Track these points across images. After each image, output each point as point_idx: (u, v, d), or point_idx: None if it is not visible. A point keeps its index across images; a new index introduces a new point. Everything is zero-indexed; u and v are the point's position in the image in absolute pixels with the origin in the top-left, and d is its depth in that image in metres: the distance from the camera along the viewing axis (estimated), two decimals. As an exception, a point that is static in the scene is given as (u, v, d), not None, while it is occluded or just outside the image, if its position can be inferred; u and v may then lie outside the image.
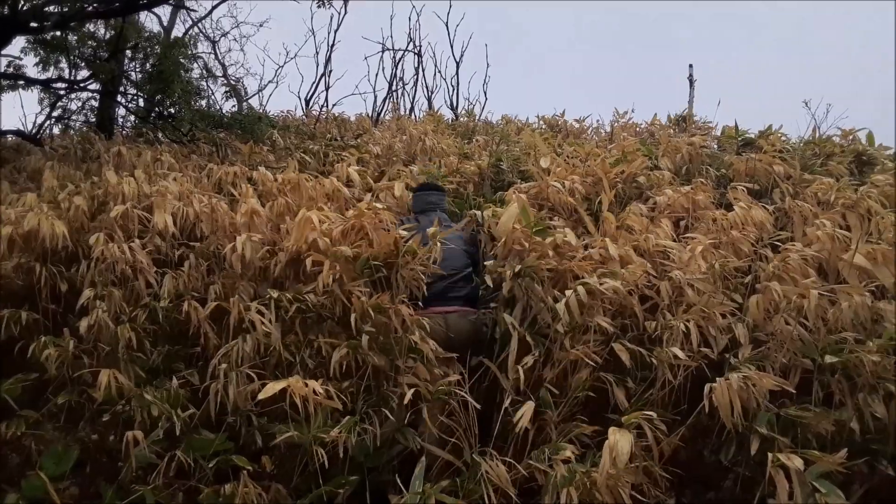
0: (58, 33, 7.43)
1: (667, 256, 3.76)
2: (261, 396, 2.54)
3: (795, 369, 3.09)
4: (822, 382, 3.03)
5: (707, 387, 2.81)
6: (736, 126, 6.05)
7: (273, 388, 2.53)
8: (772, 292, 3.31)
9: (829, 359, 2.93)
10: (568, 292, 3.24)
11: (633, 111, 8.39)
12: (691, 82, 9.33)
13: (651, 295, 3.55)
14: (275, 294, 3.40)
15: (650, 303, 3.55)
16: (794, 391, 2.95)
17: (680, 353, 3.06)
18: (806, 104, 7.73)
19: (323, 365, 3.30)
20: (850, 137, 6.20)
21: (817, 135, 6.53)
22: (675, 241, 4.00)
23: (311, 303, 3.44)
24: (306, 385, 2.61)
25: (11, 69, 7.95)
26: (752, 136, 5.89)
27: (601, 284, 3.25)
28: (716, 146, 6.21)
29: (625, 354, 3.17)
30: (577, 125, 8.77)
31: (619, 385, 3.19)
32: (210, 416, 3.08)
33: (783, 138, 6.09)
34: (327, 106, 12.12)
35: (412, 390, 2.94)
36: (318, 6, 7.54)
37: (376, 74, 14.21)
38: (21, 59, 7.84)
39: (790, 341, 3.10)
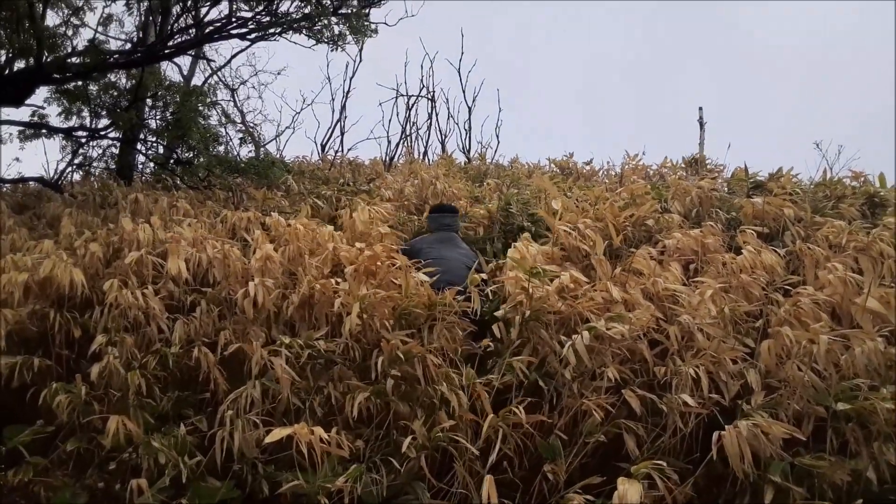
0: (80, 83, 7.69)
1: (676, 300, 3.74)
2: (266, 441, 2.54)
3: (809, 417, 3.04)
4: (837, 430, 2.97)
5: (716, 435, 2.76)
6: (746, 169, 6.06)
7: (278, 434, 2.53)
8: (783, 337, 3.27)
9: (841, 406, 2.88)
10: (575, 336, 3.23)
11: (643, 153, 8.43)
12: (701, 125, 9.39)
13: (661, 339, 3.53)
14: (286, 340, 3.43)
15: (660, 347, 3.53)
16: (806, 439, 2.89)
17: (690, 400, 3.02)
18: (817, 145, 7.74)
19: (333, 412, 3.30)
20: (862, 179, 6.18)
21: (828, 176, 6.52)
22: (684, 284, 3.98)
23: (322, 349, 3.47)
24: (312, 432, 2.60)
25: (36, 118, 8.21)
26: (763, 178, 5.89)
27: (608, 329, 3.23)
28: (726, 189, 6.22)
29: (635, 401, 3.13)
30: (587, 168, 8.82)
31: (630, 432, 3.14)
32: (217, 463, 3.08)
33: (794, 180, 6.09)
34: (342, 150, 12.34)
35: (409, 438, 2.92)
36: (332, 50, 7.74)
37: (390, 119, 14.50)
38: (45, 108, 8.11)
39: (802, 388, 3.05)
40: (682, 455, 3.12)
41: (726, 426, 2.80)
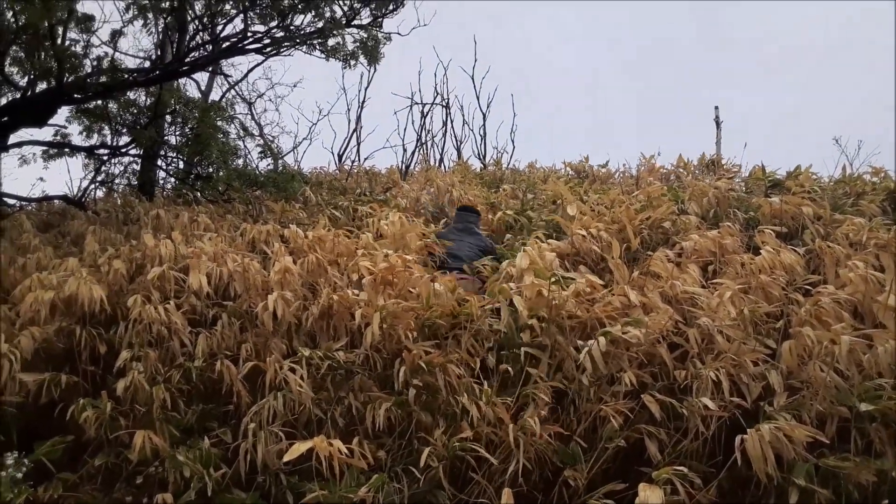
0: (100, 102, 7.83)
1: (695, 303, 3.72)
2: (286, 458, 2.57)
3: (832, 417, 3.01)
4: (861, 430, 2.94)
5: (738, 438, 2.75)
6: (763, 168, 6.01)
7: (298, 448, 2.56)
8: (805, 338, 3.24)
9: (865, 407, 2.85)
10: (591, 342, 3.23)
11: (658, 154, 8.39)
12: (718, 124, 9.33)
13: (680, 342, 3.52)
14: (306, 352, 3.47)
15: (679, 350, 3.51)
16: (829, 441, 2.87)
17: (710, 404, 3.00)
18: (836, 141, 7.65)
19: (354, 422, 3.34)
20: (882, 175, 6.10)
21: (848, 173, 6.44)
22: (703, 286, 3.96)
23: (342, 360, 3.51)
24: (331, 445, 2.63)
25: (58, 138, 8.38)
26: (781, 177, 5.84)
27: (624, 333, 3.23)
28: (743, 189, 6.17)
29: (654, 406, 3.12)
30: (602, 170, 8.80)
31: (651, 437, 3.13)
32: (241, 475, 3.12)
33: (813, 178, 6.03)
34: (359, 160, 12.42)
35: (429, 449, 2.94)
36: (345, 68, 7.83)
37: (405, 128, 14.51)
38: (66, 127, 8.27)
39: (824, 389, 3.02)
40: (704, 459, 3.10)
41: (748, 429, 2.79)
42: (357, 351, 3.63)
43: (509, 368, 3.39)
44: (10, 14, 6.87)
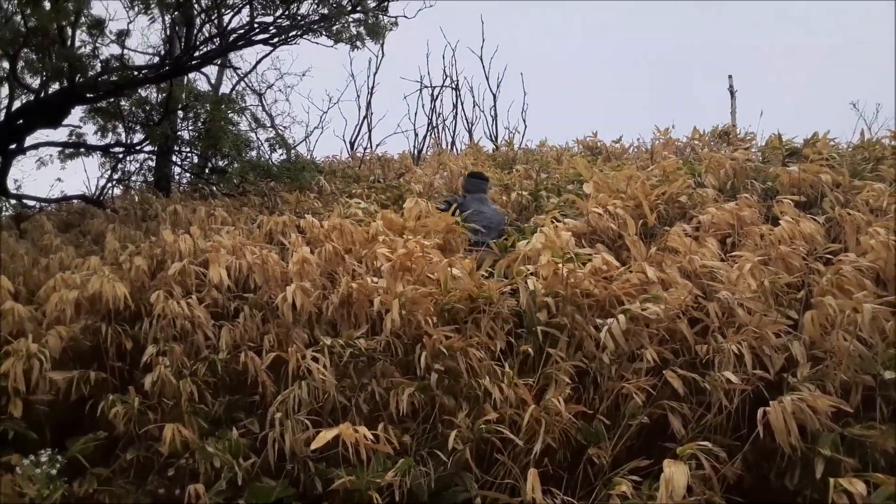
0: (112, 100, 7.89)
1: (714, 277, 3.70)
2: (314, 446, 2.61)
3: (857, 386, 2.99)
4: (886, 398, 2.92)
5: (760, 411, 2.74)
6: (779, 136, 5.93)
7: (325, 436, 2.60)
8: (827, 307, 3.22)
9: (889, 374, 2.83)
10: (610, 320, 3.23)
11: (673, 127, 8.30)
12: (732, 93, 9.20)
13: (700, 317, 3.51)
14: (328, 341, 3.51)
15: (700, 325, 3.50)
16: (854, 410, 2.86)
17: (733, 377, 3.00)
18: (854, 105, 7.52)
19: (378, 408, 3.38)
20: (902, 138, 5.99)
21: (866, 138, 6.33)
22: (722, 260, 3.94)
23: (363, 347, 3.55)
24: (356, 431, 2.67)
25: (73, 138, 8.47)
26: (798, 145, 5.76)
27: (643, 310, 3.22)
28: (760, 158, 6.09)
29: (677, 381, 3.12)
30: (616, 146, 8.73)
31: (675, 413, 3.14)
32: (270, 463, 3.17)
33: (831, 143, 5.94)
34: (371, 147, 12.43)
35: (455, 432, 2.96)
36: (352, 50, 7.80)
37: (416, 112, 14.48)
38: (81, 127, 8.35)
39: (848, 358, 3.00)
40: (728, 432, 3.11)
41: (771, 401, 2.78)
42: (378, 338, 3.66)
43: (529, 350, 3.40)
44: (20, 17, 6.92)
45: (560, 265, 3.59)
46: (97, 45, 7.25)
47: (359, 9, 7.38)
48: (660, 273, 3.67)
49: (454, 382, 3.33)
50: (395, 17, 8.04)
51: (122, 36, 7.31)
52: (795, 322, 3.44)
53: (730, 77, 9.50)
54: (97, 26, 7.15)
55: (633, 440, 3.11)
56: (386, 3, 7.72)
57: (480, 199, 5.48)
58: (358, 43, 7.38)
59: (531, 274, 3.69)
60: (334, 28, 7.12)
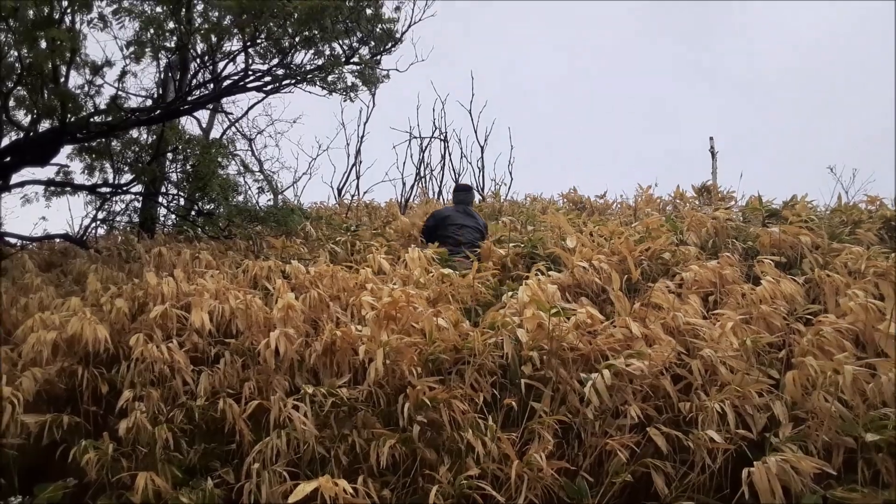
0: (103, 140, 7.92)
1: (697, 334, 3.73)
2: (291, 500, 2.55)
3: (838, 448, 3.00)
4: (868, 461, 2.92)
5: (745, 471, 2.73)
6: (760, 198, 6.07)
7: (303, 489, 2.55)
8: (808, 368, 3.25)
9: (871, 437, 2.84)
10: (594, 375, 3.23)
11: (655, 185, 8.49)
12: (713, 154, 9.42)
13: (684, 374, 3.52)
14: (310, 389, 3.46)
15: (683, 382, 3.51)
16: (837, 472, 2.85)
17: (716, 437, 3.00)
18: (831, 170, 7.73)
19: (358, 460, 3.32)
20: (878, 203, 6.15)
21: (843, 202, 6.50)
22: (704, 317, 3.98)
23: (345, 396, 3.51)
24: (336, 484, 2.62)
25: (61, 176, 8.45)
26: (777, 206, 5.89)
27: (628, 366, 3.23)
28: (741, 218, 6.21)
29: (660, 439, 3.11)
30: (600, 201, 8.87)
31: (658, 471, 3.12)
32: (245, 516, 3.09)
33: (810, 206, 6.08)
34: (358, 194, 12.51)
35: (435, 487, 2.92)
36: (345, 101, 7.94)
37: (404, 162, 14.72)
38: (69, 165, 8.34)
39: (829, 419, 3.02)
40: (712, 492, 3.08)
41: (755, 461, 2.78)
42: (360, 387, 3.62)
43: (513, 403, 3.37)
44: (14, 54, 6.98)
45: (546, 318, 3.60)
46: (93, 84, 7.30)
47: (353, 60, 7.55)
48: (644, 329, 3.70)
49: (437, 435, 3.30)
50: (388, 70, 8.23)
51: (120, 79, 7.38)
52: (777, 381, 3.46)
53: (711, 138, 9.74)
54: (95, 70, 7.22)
55: (616, 498, 3.07)
56: (379, 57, 7.90)
57: (466, 210, 6.29)
58: (352, 94, 7.53)
59: (518, 326, 3.70)
60: (329, 78, 7.27)
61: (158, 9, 6.87)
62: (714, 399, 3.21)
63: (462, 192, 6.68)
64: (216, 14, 7.01)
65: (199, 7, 7.19)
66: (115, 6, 6.91)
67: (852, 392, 3.05)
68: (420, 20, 8.12)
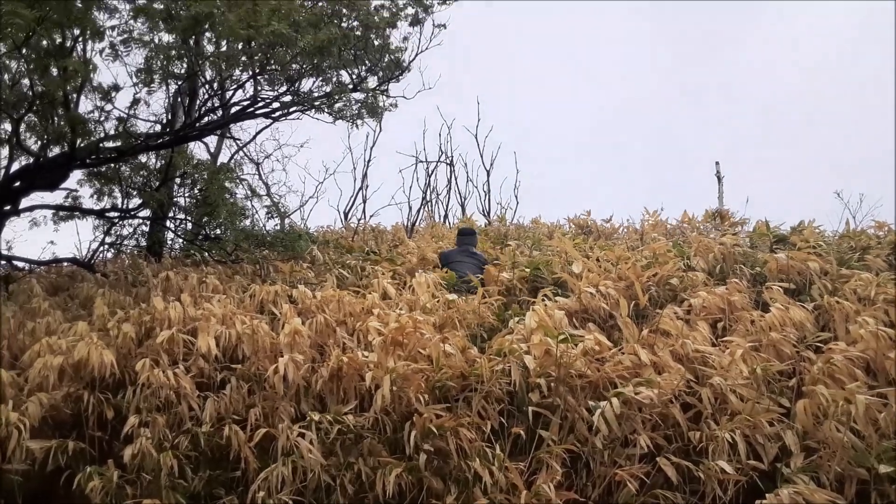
0: (112, 166, 7.98)
1: (706, 361, 3.70)
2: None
3: (851, 479, 2.96)
4: (882, 493, 2.88)
5: (757, 503, 2.69)
6: (767, 223, 6.05)
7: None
8: (819, 396, 3.21)
9: (884, 468, 2.80)
10: (603, 403, 3.20)
11: (662, 209, 8.47)
12: (719, 179, 9.43)
13: (693, 402, 3.48)
14: (316, 416, 3.44)
15: (693, 411, 3.48)
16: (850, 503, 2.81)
17: (727, 468, 2.96)
18: (838, 195, 7.72)
19: (364, 488, 3.28)
20: (886, 229, 6.13)
21: (851, 227, 6.48)
22: (713, 344, 3.95)
23: (351, 423, 3.49)
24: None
25: (69, 200, 8.51)
26: (785, 232, 5.88)
27: (637, 394, 3.21)
28: (748, 243, 6.19)
29: (670, 469, 3.08)
30: (606, 225, 8.86)
31: (668, 502, 3.07)
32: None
33: (817, 231, 6.06)
34: (364, 218, 12.55)
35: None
36: (352, 128, 8.02)
37: (411, 186, 14.73)
38: (77, 190, 8.40)
39: (842, 449, 2.98)
40: (723, 524, 3.04)
41: (767, 493, 2.74)
42: (366, 414, 3.60)
43: (521, 432, 3.35)
44: (26, 82, 7.08)
45: (553, 344, 3.58)
46: (102, 110, 7.39)
47: (360, 88, 7.63)
48: (652, 356, 3.67)
49: (444, 463, 3.27)
50: (395, 98, 8.30)
51: (130, 107, 7.47)
52: (788, 410, 3.43)
53: (717, 163, 9.76)
54: (105, 96, 7.31)
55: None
56: (387, 86, 7.98)
57: (467, 251, 6.64)
58: (358, 122, 7.60)
59: (525, 352, 3.68)
60: (336, 106, 7.34)
61: (168, 38, 6.96)
62: (724, 428, 3.17)
63: (464, 235, 7.01)
64: (225, 43, 7.10)
65: (209, 34, 7.30)
66: (125, 36, 7.01)
67: (865, 422, 3.02)
68: (426, 49, 8.23)
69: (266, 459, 3.50)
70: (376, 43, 7.41)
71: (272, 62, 6.98)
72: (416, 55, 8.10)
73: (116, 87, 7.57)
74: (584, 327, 4.29)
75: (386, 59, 7.65)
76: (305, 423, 3.44)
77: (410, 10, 7.75)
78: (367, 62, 7.50)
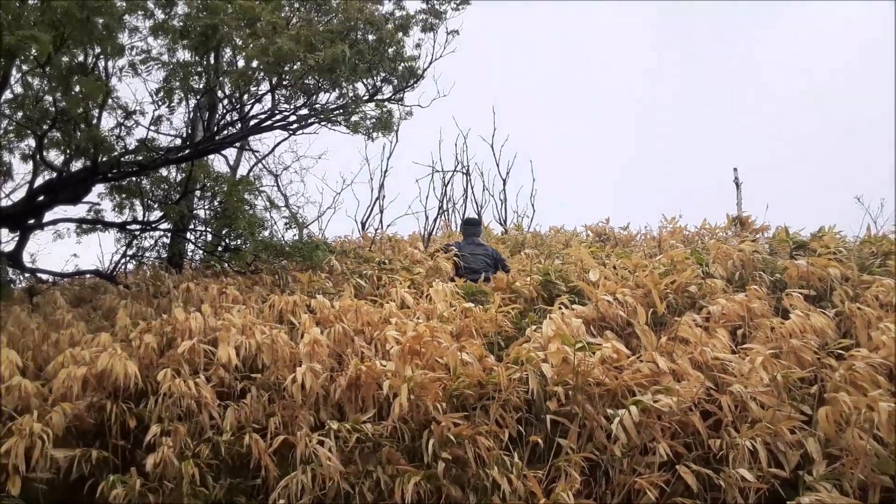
0: (133, 179, 8.11)
1: (725, 369, 3.68)
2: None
3: (874, 487, 2.92)
4: (907, 501, 2.84)
5: (779, 511, 2.67)
6: (786, 230, 6.00)
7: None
8: (841, 403, 3.18)
9: (908, 476, 2.76)
10: (622, 411, 3.19)
11: (680, 216, 8.42)
12: (737, 185, 9.36)
13: (713, 410, 3.46)
14: (335, 425, 3.47)
15: (713, 419, 3.45)
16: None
17: (748, 475, 2.94)
18: (858, 199, 7.62)
19: (383, 496, 3.30)
20: (908, 234, 6.05)
21: (872, 233, 6.39)
22: (733, 352, 3.92)
23: (370, 432, 3.51)
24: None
25: (92, 214, 8.66)
26: (805, 238, 5.82)
27: (655, 402, 3.19)
28: (767, 250, 6.13)
29: (690, 477, 3.06)
30: (623, 232, 8.83)
31: (688, 510, 3.06)
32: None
33: (838, 237, 5.99)
34: (381, 227, 12.61)
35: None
36: (367, 141, 8.09)
37: (427, 195, 14.76)
38: (100, 203, 8.55)
39: (864, 457, 2.94)
40: (744, 532, 3.01)
41: (789, 501, 2.72)
42: (384, 422, 3.62)
43: (539, 440, 3.34)
44: (49, 99, 7.24)
45: (571, 353, 3.58)
46: (124, 126, 7.53)
47: (377, 97, 7.71)
48: (671, 364, 3.66)
49: (462, 472, 3.27)
50: (410, 107, 8.36)
51: (151, 123, 7.61)
52: (809, 417, 3.39)
53: (735, 169, 9.69)
54: (127, 113, 7.46)
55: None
56: (402, 95, 8.05)
57: (475, 241, 6.78)
58: (373, 134, 7.69)
59: (542, 360, 3.68)
60: (352, 119, 7.43)
61: (186, 55, 7.10)
62: (745, 436, 3.15)
63: (468, 225, 7.29)
64: (242, 58, 7.23)
65: (227, 51, 7.44)
66: (143, 55, 7.18)
67: (888, 429, 2.98)
68: (441, 56, 8.28)
69: (286, 467, 3.54)
70: (390, 51, 7.48)
71: (286, 78, 7.08)
72: (431, 62, 8.15)
73: (138, 111, 7.76)
74: (601, 335, 4.28)
75: (400, 68, 7.72)
76: (324, 432, 3.46)
77: (422, 16, 7.83)
78: (382, 72, 7.58)
